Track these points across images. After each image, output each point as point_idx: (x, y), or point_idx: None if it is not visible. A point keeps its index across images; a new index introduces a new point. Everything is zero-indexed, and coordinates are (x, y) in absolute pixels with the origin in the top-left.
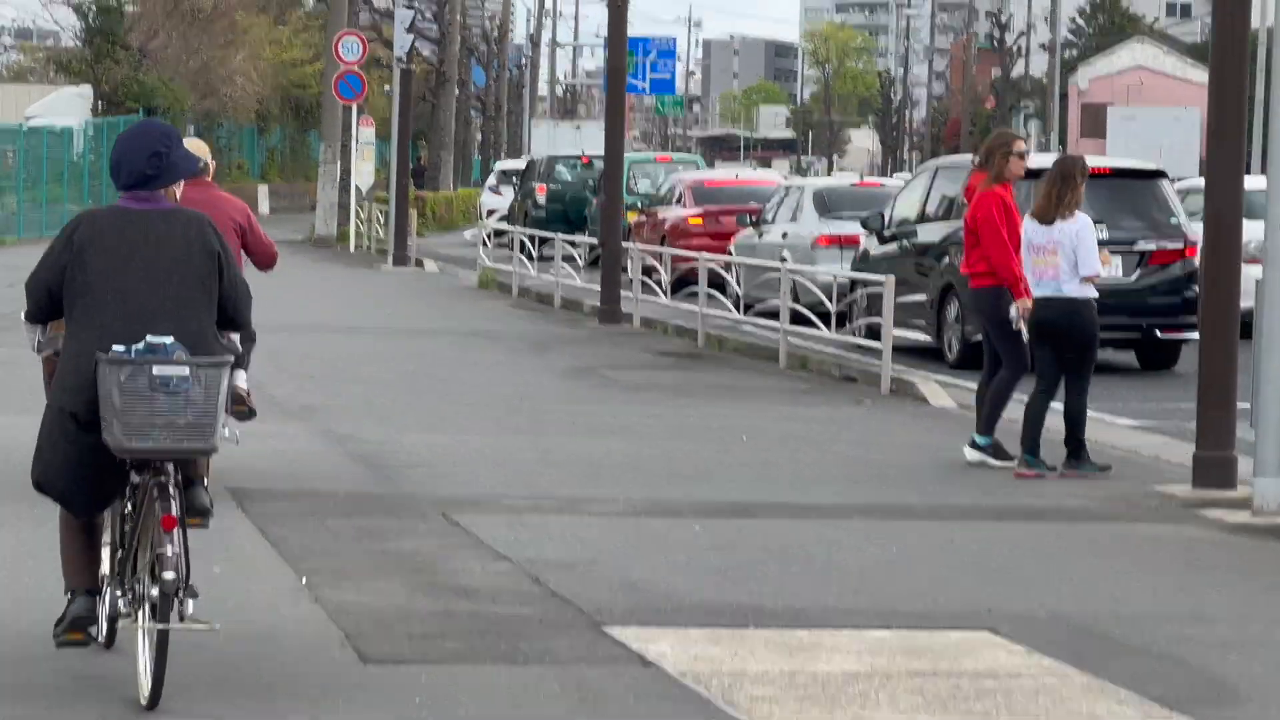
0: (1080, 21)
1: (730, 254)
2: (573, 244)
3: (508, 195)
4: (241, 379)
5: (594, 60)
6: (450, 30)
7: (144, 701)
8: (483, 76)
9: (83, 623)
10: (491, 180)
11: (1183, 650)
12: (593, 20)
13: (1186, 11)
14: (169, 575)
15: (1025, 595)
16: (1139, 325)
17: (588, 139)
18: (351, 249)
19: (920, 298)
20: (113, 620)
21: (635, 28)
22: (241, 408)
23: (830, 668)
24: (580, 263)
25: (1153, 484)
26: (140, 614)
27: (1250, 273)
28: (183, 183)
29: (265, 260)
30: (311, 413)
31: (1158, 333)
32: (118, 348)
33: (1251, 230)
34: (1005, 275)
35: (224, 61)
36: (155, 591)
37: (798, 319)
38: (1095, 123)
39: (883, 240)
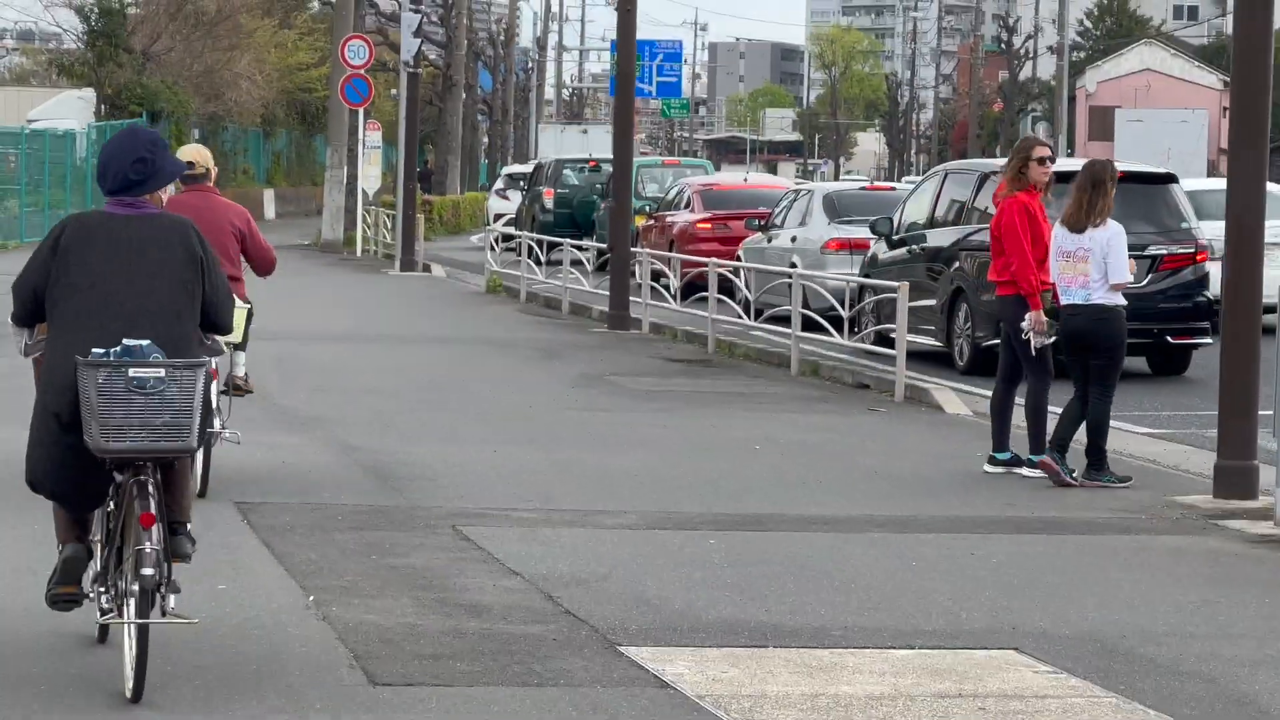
0: (1088, 24)
1: (739, 259)
2: (580, 248)
3: (515, 199)
4: (240, 361)
5: (600, 64)
6: (457, 34)
7: (128, 695)
8: (489, 80)
9: (73, 565)
10: (499, 184)
11: (1210, 668)
12: (599, 24)
13: (1194, 14)
14: (148, 571)
15: (1048, 610)
16: (1150, 331)
17: (594, 143)
18: (358, 254)
19: (930, 302)
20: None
21: (641, 31)
22: (239, 393)
23: (853, 690)
24: (588, 267)
25: (1173, 494)
26: (124, 610)
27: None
28: (183, 188)
29: (264, 266)
30: (319, 423)
31: (1169, 338)
32: (96, 350)
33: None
34: (1023, 285)
35: (229, 65)
36: (136, 587)
37: (808, 325)
38: (1103, 125)
39: (891, 245)
